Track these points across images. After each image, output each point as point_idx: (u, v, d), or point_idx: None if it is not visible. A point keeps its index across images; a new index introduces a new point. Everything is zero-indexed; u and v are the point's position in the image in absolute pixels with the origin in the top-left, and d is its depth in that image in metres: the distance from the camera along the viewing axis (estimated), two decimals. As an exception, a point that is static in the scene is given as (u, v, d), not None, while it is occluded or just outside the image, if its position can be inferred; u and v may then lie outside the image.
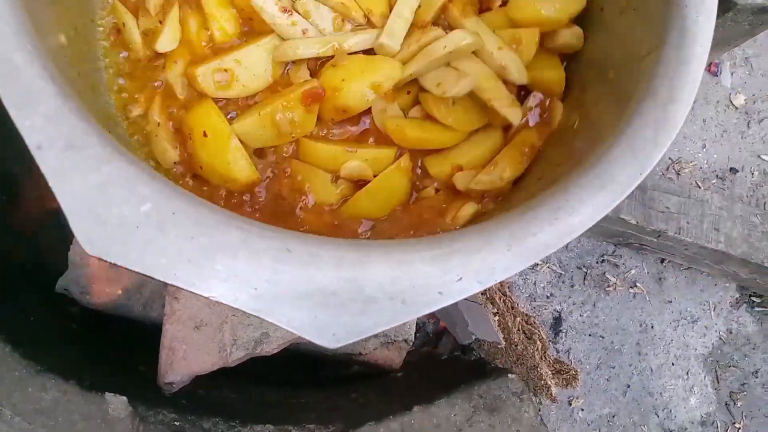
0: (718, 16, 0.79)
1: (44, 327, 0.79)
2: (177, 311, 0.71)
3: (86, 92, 0.68)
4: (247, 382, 0.93)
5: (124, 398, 0.62)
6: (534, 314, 1.33)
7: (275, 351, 0.74)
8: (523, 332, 1.17)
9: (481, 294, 1.13)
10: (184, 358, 0.69)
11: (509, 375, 0.72)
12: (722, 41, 0.88)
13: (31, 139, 0.44)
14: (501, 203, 0.76)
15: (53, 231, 0.93)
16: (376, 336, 0.99)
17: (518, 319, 1.17)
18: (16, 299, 0.80)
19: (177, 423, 0.64)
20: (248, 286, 0.44)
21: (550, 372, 1.15)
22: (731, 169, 1.46)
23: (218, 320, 0.71)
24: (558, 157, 0.69)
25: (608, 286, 1.38)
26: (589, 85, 0.72)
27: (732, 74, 1.47)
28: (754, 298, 1.45)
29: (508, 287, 1.22)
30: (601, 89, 0.69)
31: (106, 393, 0.62)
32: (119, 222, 0.44)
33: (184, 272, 0.43)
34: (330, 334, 0.45)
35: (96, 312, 0.86)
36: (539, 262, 1.36)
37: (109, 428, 0.60)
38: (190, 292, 0.43)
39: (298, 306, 0.45)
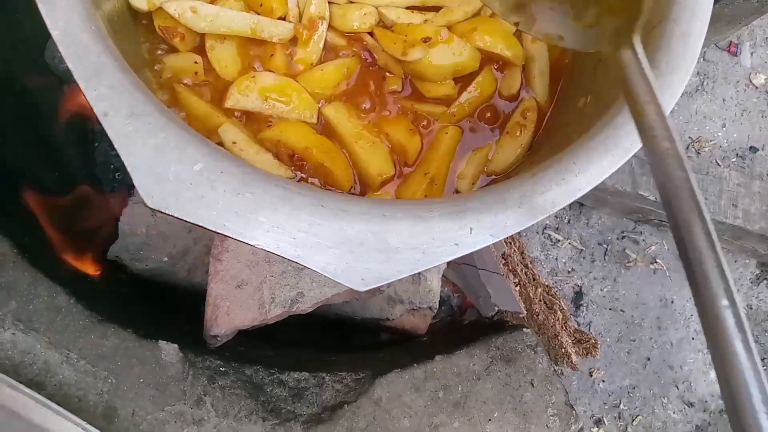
0: (728, -6, 0.83)
1: (101, 287, 0.86)
2: (220, 272, 0.77)
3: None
4: (283, 344, 1.00)
5: (176, 345, 0.70)
6: (555, 288, 1.37)
7: (309, 309, 0.80)
8: (544, 302, 1.22)
9: (503, 266, 1.18)
10: (227, 313, 0.75)
11: (524, 329, 0.77)
12: (734, 19, 0.91)
13: (98, 107, 0.50)
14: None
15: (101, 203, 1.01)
16: (402, 303, 1.05)
17: (539, 290, 1.21)
18: (74, 266, 0.88)
19: (222, 369, 0.71)
20: (288, 236, 0.50)
21: (570, 341, 1.20)
22: (751, 147, 1.49)
23: (258, 280, 0.78)
24: (573, 133, 0.74)
25: (628, 262, 1.42)
26: (600, 65, 0.77)
27: (752, 54, 1.49)
28: (774, 275, 1.48)
29: (530, 261, 1.27)
30: (610, 65, 0.74)
31: (160, 341, 0.69)
32: (175, 179, 0.50)
33: (233, 223, 0.50)
34: (359, 278, 0.51)
35: (144, 277, 0.94)
36: (560, 239, 1.41)
37: (163, 371, 0.67)
38: (238, 240, 0.50)
39: (331, 253, 0.51)
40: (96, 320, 0.69)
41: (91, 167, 1.19)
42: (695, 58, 0.62)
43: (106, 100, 0.50)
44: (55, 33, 0.51)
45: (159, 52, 0.81)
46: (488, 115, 0.85)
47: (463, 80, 0.84)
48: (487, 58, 0.84)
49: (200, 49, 0.81)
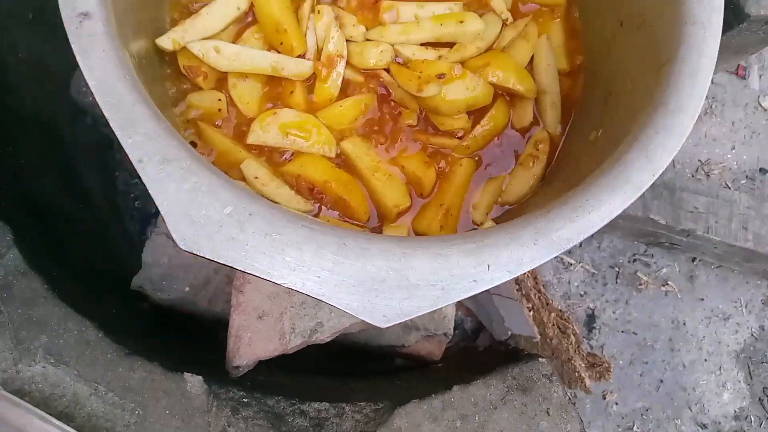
0: (733, 26, 0.85)
1: (125, 319, 0.89)
2: (242, 303, 0.80)
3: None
4: (302, 372, 1.02)
5: (200, 377, 0.72)
6: (568, 311, 1.38)
7: (328, 339, 0.82)
8: (558, 327, 1.23)
9: (517, 291, 1.20)
10: (249, 344, 0.78)
11: (540, 359, 0.79)
12: (740, 49, 0.93)
13: (133, 155, 0.53)
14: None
15: (122, 238, 1.04)
16: (417, 330, 1.07)
17: (552, 314, 1.23)
18: (100, 296, 0.90)
19: (245, 399, 0.73)
20: (313, 275, 0.53)
21: (583, 365, 1.21)
22: (761, 169, 1.50)
23: (278, 311, 0.80)
24: (585, 166, 0.76)
25: (640, 285, 1.43)
26: (611, 98, 0.79)
27: (760, 77, 1.50)
28: (786, 296, 1.48)
29: (543, 285, 1.28)
30: (619, 100, 0.76)
31: (185, 373, 0.72)
32: (206, 222, 0.53)
33: (261, 263, 0.52)
34: (381, 315, 0.53)
35: (166, 307, 0.96)
36: (573, 262, 1.42)
37: (188, 403, 0.69)
38: (265, 279, 0.52)
39: (354, 291, 0.53)
40: (123, 353, 0.71)
41: (113, 196, 1.22)
42: (703, 96, 0.64)
43: (141, 147, 0.53)
44: (92, 83, 0.54)
45: (183, 88, 0.84)
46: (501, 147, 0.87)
47: (476, 113, 0.86)
48: (499, 92, 0.87)
49: (222, 86, 0.84)
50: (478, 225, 0.84)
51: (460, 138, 0.86)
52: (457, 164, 0.85)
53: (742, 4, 0.83)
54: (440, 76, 0.81)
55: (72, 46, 0.54)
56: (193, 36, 0.82)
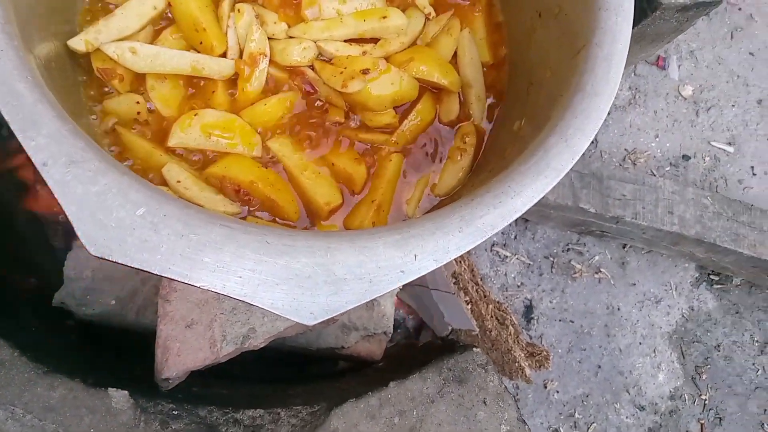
0: (648, 14, 0.88)
1: (46, 337, 0.84)
2: (169, 312, 0.77)
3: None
4: (238, 380, 0.99)
5: (126, 392, 0.68)
6: (506, 303, 1.40)
7: (262, 345, 0.80)
8: (496, 318, 1.24)
9: (454, 284, 1.20)
10: (178, 354, 0.75)
11: (474, 349, 0.79)
12: (657, 37, 0.96)
13: (36, 157, 0.50)
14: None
15: (45, 251, 0.99)
16: (356, 330, 1.06)
17: (491, 306, 1.24)
18: (17, 314, 0.86)
19: (175, 412, 0.70)
20: (234, 275, 0.51)
21: (523, 355, 1.22)
22: (683, 156, 1.56)
23: (208, 318, 0.78)
24: (509, 155, 0.76)
25: (574, 273, 1.46)
26: (532, 88, 0.80)
27: (679, 67, 1.56)
28: (712, 276, 1.54)
29: (481, 278, 1.29)
30: (540, 89, 0.77)
31: (109, 388, 0.68)
32: (118, 225, 0.50)
33: (178, 266, 0.50)
34: (308, 312, 0.52)
35: (92, 322, 0.92)
36: (508, 254, 1.44)
37: (113, 419, 0.66)
38: (184, 282, 0.50)
39: (279, 290, 0.51)
40: (42, 372, 0.67)
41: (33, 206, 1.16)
42: (618, 79, 0.66)
43: (45, 149, 0.50)
44: (-12, 84, 0.51)
45: (99, 93, 0.81)
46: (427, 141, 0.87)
47: (403, 109, 0.86)
48: (426, 86, 0.87)
49: (139, 89, 0.81)
50: (410, 218, 0.84)
51: (388, 133, 0.85)
52: (386, 159, 0.85)
53: (654, -7, 0.85)
54: (365, 71, 0.81)
55: (-37, 45, 0.51)
56: (108, 37, 0.79)
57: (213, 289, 0.51)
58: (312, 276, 0.52)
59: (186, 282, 0.50)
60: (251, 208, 0.80)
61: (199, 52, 0.81)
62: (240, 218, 0.79)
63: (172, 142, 0.79)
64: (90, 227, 0.50)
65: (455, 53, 0.89)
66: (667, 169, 1.54)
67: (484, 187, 0.61)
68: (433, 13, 0.89)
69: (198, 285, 0.50)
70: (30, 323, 0.85)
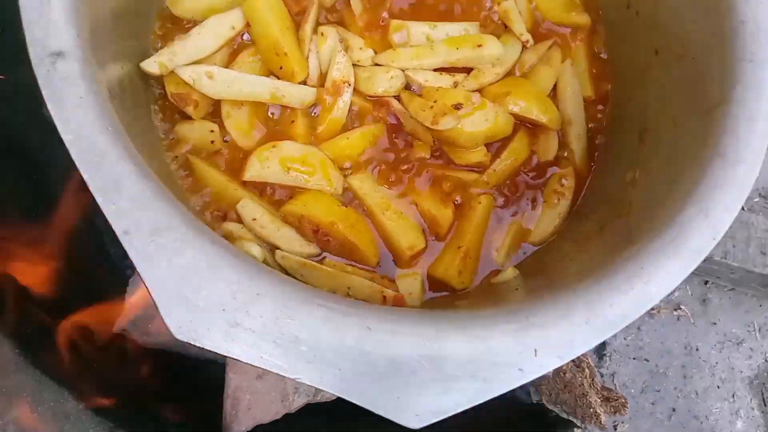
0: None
1: (107, 369, 0.80)
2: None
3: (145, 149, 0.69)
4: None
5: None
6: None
7: (333, 398, 0.74)
8: (572, 360, 1.16)
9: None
10: (248, 407, 0.69)
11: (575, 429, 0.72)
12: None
13: (117, 225, 0.45)
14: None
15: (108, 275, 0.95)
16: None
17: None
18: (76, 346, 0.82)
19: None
20: (333, 367, 0.45)
21: (598, 400, 1.14)
22: (776, 186, 1.44)
23: (279, 369, 0.72)
24: (619, 207, 0.68)
25: (652, 309, 1.36)
26: (647, 135, 0.71)
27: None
28: (800, 318, 1.43)
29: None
30: (659, 140, 0.68)
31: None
32: (206, 305, 0.44)
33: (272, 356, 0.44)
34: (413, 413, 0.45)
35: (153, 351, 0.88)
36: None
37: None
38: (279, 375, 0.44)
39: (380, 387, 0.45)
40: (108, 428, 0.63)
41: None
42: (764, 144, 0.57)
43: (127, 215, 0.45)
44: (67, 138, 0.45)
45: (171, 117, 0.75)
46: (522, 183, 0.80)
47: (496, 145, 0.79)
48: (521, 122, 0.79)
49: (214, 116, 0.76)
50: (500, 268, 0.77)
51: (478, 172, 0.78)
52: (475, 201, 0.77)
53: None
54: (457, 106, 0.73)
55: (42, 92, 0.45)
56: (183, 59, 0.73)
57: (311, 383, 0.44)
58: (418, 371, 0.46)
59: (281, 374, 0.44)
60: (328, 251, 0.74)
61: (278, 78, 0.75)
62: (317, 261, 0.73)
63: (248, 176, 0.73)
64: (175, 307, 0.44)
65: (554, 86, 0.81)
66: (756, 200, 1.43)
67: (611, 267, 0.53)
68: (531, 41, 0.81)
69: (293, 377, 0.44)
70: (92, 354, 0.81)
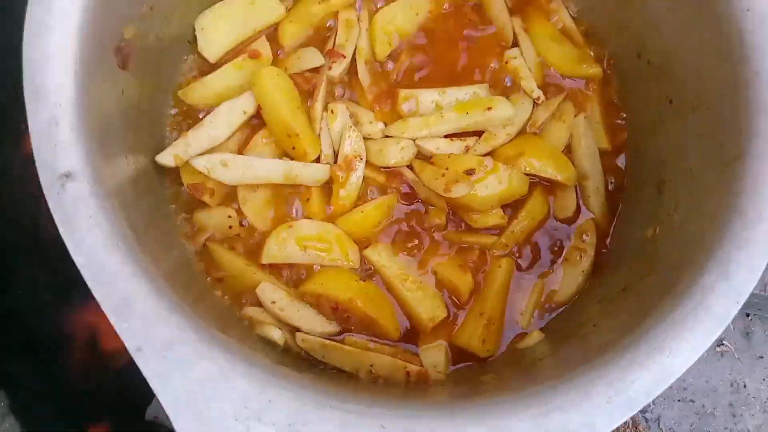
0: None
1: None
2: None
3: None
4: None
5: None
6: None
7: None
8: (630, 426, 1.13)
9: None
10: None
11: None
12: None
13: (130, 343, 0.45)
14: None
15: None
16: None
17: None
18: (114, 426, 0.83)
19: None
20: (349, 475, 0.44)
21: (643, 450, 1.11)
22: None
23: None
24: (641, 267, 0.66)
25: (693, 346, 1.32)
26: (666, 187, 0.70)
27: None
28: None
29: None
30: (678, 193, 0.67)
31: None
32: (219, 416, 0.44)
33: (288, 465, 0.44)
34: None
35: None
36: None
37: None
38: (294, 485, 0.44)
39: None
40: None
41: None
42: (786, 200, 0.55)
43: (139, 333, 0.45)
44: (79, 260, 0.46)
45: (187, 205, 0.77)
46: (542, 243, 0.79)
47: (512, 205, 0.78)
48: (537, 180, 0.78)
49: (230, 202, 0.77)
50: (526, 331, 0.75)
51: (496, 234, 0.77)
52: (495, 265, 0.76)
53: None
54: (469, 172, 0.73)
55: (53, 215, 0.47)
56: (197, 148, 0.74)
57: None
58: (438, 470, 0.45)
59: (296, 484, 0.44)
60: (349, 327, 0.74)
61: (292, 158, 0.76)
62: (336, 339, 0.73)
63: (266, 258, 0.74)
64: (189, 421, 0.44)
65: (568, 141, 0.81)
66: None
67: (631, 339, 0.52)
68: (543, 98, 0.80)
69: (310, 486, 0.44)
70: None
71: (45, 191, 0.48)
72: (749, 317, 1.35)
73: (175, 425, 0.44)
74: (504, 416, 0.47)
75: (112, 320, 0.45)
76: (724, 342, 1.33)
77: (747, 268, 0.52)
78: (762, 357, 1.35)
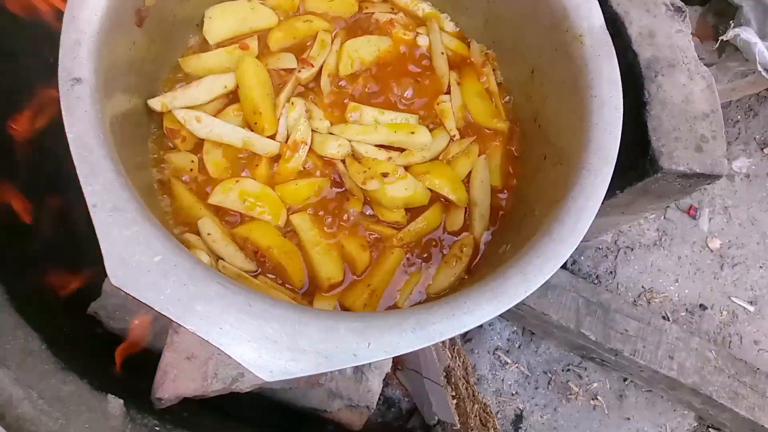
0: (650, 174, 0.97)
1: (73, 338, 0.98)
2: (175, 342, 0.89)
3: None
4: (229, 418, 1.09)
5: (122, 401, 0.80)
6: (498, 408, 1.46)
7: (247, 389, 0.90)
8: (480, 419, 1.30)
9: (445, 378, 1.28)
10: (173, 380, 0.86)
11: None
12: (663, 195, 1.04)
13: (90, 200, 0.65)
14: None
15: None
16: (341, 398, 1.15)
17: (476, 406, 1.30)
18: (56, 314, 1.00)
19: (157, 428, 0.81)
20: (216, 326, 0.63)
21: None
22: (701, 305, 1.60)
23: (206, 355, 0.89)
24: (488, 274, 0.86)
25: (570, 394, 1.50)
26: (525, 220, 0.91)
27: (710, 220, 1.63)
28: (711, 430, 1.55)
29: (475, 378, 1.36)
30: (529, 224, 0.88)
31: (109, 394, 0.81)
32: (137, 266, 0.63)
33: (175, 308, 0.62)
34: (267, 371, 0.63)
35: (117, 336, 1.06)
36: (509, 362, 1.50)
37: (106, 422, 0.78)
38: (176, 322, 0.62)
39: (249, 346, 0.63)
40: (59, 367, 0.80)
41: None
42: (584, 230, 0.75)
43: (98, 195, 0.65)
44: (70, 136, 0.66)
45: (165, 147, 0.97)
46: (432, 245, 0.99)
47: (414, 211, 0.98)
48: (437, 197, 0.99)
49: (197, 151, 0.97)
50: (399, 306, 0.95)
51: (397, 229, 0.97)
52: (389, 252, 0.96)
53: (656, 156, 0.95)
54: (385, 174, 0.94)
55: (61, 103, 0.67)
56: (181, 103, 0.95)
57: (198, 333, 0.62)
58: (278, 341, 0.64)
59: (177, 322, 0.62)
60: (264, 270, 0.93)
61: (252, 131, 0.97)
62: (252, 275, 0.92)
63: (212, 200, 0.93)
64: (116, 263, 0.63)
65: (470, 173, 1.02)
66: (683, 314, 1.59)
67: (443, 299, 0.71)
68: (458, 136, 1.02)
69: (187, 327, 0.62)
70: (64, 323, 0.99)
71: (59, 88, 0.68)
72: (626, 382, 1.54)
73: (106, 264, 0.63)
74: (336, 322, 0.66)
75: (82, 181, 0.64)
76: (598, 397, 1.52)
77: (539, 270, 0.72)
78: (629, 419, 1.53)
